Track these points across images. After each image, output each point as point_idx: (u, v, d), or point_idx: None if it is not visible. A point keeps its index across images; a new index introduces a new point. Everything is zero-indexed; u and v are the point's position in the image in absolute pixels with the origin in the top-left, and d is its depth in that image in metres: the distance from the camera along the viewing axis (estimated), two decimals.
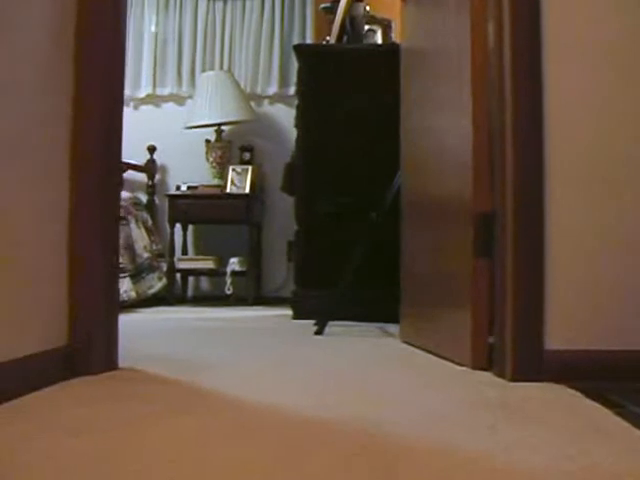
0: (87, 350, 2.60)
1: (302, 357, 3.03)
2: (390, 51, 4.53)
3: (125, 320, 4.62)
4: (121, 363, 2.70)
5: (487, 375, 2.62)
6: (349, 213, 4.01)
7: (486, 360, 2.69)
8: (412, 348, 3.28)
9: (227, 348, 3.29)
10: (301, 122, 4.78)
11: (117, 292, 2.94)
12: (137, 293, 5.85)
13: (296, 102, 4.98)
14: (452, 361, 2.84)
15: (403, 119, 3.62)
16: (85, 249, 2.64)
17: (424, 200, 3.24)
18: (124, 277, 5.47)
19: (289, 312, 4.86)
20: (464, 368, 2.72)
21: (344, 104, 4.70)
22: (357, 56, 4.83)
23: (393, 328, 4.04)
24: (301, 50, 5.03)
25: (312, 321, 4.28)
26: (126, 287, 5.44)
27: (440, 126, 3.09)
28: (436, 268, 3.04)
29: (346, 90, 4.75)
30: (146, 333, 3.84)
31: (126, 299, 5.42)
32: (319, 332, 3.69)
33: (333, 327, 3.97)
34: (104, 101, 2.67)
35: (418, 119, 3.36)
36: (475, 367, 2.69)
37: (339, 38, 5.03)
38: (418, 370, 2.70)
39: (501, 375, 2.57)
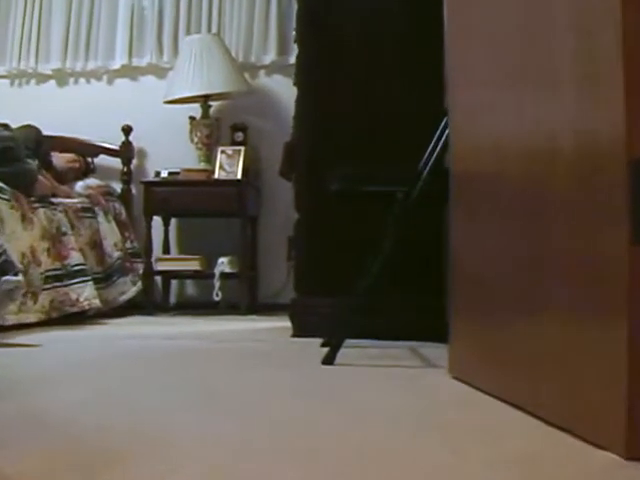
0: None
1: (305, 428, 1.69)
2: None
3: (68, 338, 3.66)
4: None
5: None
6: (367, 194, 2.96)
7: None
8: (478, 394, 2.09)
9: (186, 402, 2.00)
10: (302, 77, 3.72)
11: None
12: (105, 301, 4.83)
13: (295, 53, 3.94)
14: (574, 434, 1.54)
15: (453, 65, 2.52)
16: None
17: (502, 165, 2.11)
18: (84, 282, 4.42)
19: (288, 324, 3.82)
20: (609, 456, 1.40)
21: (359, 49, 3.64)
22: None
23: (430, 351, 2.99)
24: None
25: (317, 340, 3.24)
26: (87, 294, 4.41)
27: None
28: (532, 262, 1.88)
29: (362, 30, 3.65)
30: (80, 364, 2.77)
31: (87, 308, 4.39)
32: (329, 361, 2.62)
33: (347, 349, 2.90)
34: None
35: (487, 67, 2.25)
36: (633, 456, 1.37)
37: None
38: (521, 465, 1.38)
39: None
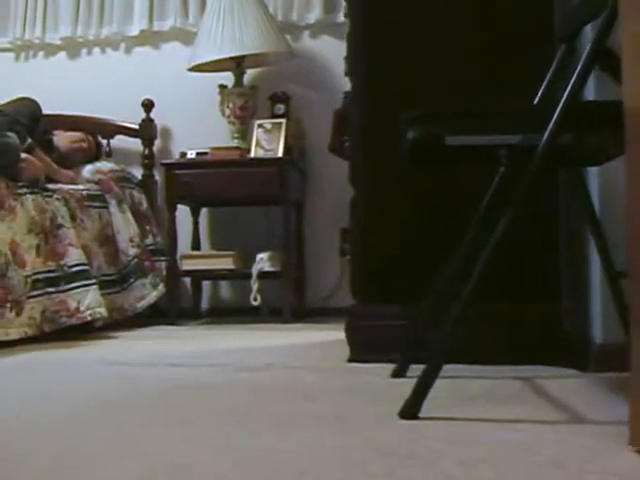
0: None
1: None
2: None
3: (42, 362, 2.79)
4: None
5: None
6: (456, 151, 2.01)
7: None
8: None
9: None
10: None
11: None
12: (119, 308, 3.97)
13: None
14: None
15: None
16: None
17: None
18: (87, 286, 3.53)
19: (341, 334, 2.91)
20: None
21: None
22: None
23: (555, 385, 2.03)
24: None
25: (384, 366, 2.29)
26: (90, 301, 3.52)
27: None
28: None
29: None
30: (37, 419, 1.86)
31: (89, 319, 3.49)
32: (411, 413, 1.63)
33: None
34: None
35: None
36: None
37: None
38: None
39: None
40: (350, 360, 2.52)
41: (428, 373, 1.66)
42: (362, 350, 2.50)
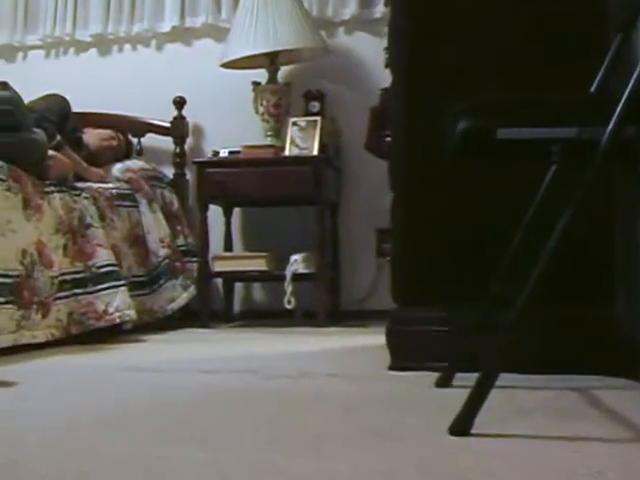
0: None
1: None
2: None
3: (66, 367, 2.67)
4: None
5: None
6: (508, 145, 1.87)
7: None
8: None
9: None
10: None
11: None
12: (149, 311, 3.87)
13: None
14: None
15: None
16: None
17: None
18: (115, 287, 3.42)
19: (379, 338, 2.77)
20: None
21: None
22: None
23: (615, 397, 1.88)
24: None
25: (427, 375, 2.16)
26: (119, 303, 3.40)
27: None
28: None
29: None
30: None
31: (117, 321, 3.38)
32: (462, 429, 1.49)
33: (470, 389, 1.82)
34: None
35: None
36: None
37: None
38: None
39: None
40: (391, 368, 2.38)
41: (482, 383, 1.52)
42: (404, 357, 2.35)
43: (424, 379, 2.14)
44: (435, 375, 2.11)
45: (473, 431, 1.49)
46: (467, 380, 2.02)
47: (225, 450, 1.44)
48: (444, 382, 2.07)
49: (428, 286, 2.43)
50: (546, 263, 1.57)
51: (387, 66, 2.96)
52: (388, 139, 2.84)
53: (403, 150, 2.57)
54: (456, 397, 1.58)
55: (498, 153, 1.97)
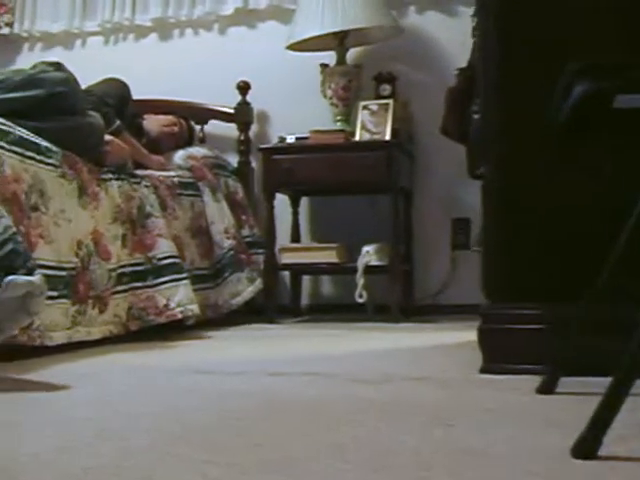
0: None
1: None
2: None
3: (120, 368, 2.39)
4: None
5: None
6: (624, 117, 1.61)
7: None
8: None
9: None
10: None
11: None
12: (213, 305, 3.69)
13: None
14: None
15: None
16: None
17: None
18: (177, 280, 3.21)
19: (460, 335, 2.51)
20: None
21: None
22: None
23: None
24: None
25: (526, 378, 1.90)
26: (181, 297, 3.19)
27: None
28: None
29: None
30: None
31: (179, 317, 3.17)
32: (588, 451, 1.22)
33: (572, 396, 1.55)
34: None
35: None
36: None
37: None
38: None
39: None
40: (483, 370, 2.11)
41: (612, 395, 1.26)
42: (498, 359, 2.09)
43: (522, 384, 1.87)
44: (533, 379, 1.84)
45: (601, 453, 1.22)
46: (573, 386, 1.76)
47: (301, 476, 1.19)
48: (547, 388, 1.80)
49: (525, 281, 2.16)
50: None
51: (474, 35, 2.69)
52: (474, 117, 2.57)
53: (493, 131, 2.30)
54: (564, 406, 1.34)
55: (612, 128, 1.70)
